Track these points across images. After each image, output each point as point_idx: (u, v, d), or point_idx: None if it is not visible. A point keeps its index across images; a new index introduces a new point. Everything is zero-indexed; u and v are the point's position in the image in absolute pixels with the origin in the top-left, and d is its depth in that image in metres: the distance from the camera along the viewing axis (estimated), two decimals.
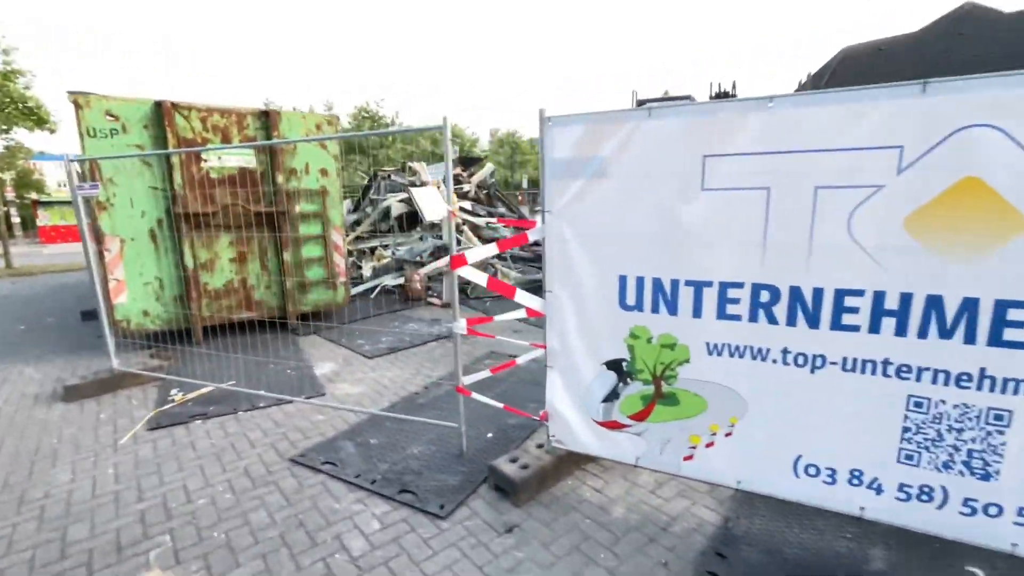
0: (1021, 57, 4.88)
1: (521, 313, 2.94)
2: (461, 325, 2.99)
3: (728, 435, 2.37)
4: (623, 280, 2.45)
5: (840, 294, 2.02)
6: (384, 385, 4.39)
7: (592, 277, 2.52)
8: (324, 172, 6.22)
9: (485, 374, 3.22)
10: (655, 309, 2.40)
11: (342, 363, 5.02)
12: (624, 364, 2.54)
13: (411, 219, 9.91)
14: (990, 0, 5.58)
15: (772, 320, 2.16)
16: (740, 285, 2.20)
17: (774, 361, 2.19)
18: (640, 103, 8.25)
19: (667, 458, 2.54)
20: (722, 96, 8.59)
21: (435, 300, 7.45)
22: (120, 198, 5.13)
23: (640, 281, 2.41)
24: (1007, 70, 1.68)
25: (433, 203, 9.58)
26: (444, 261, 8.01)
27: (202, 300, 5.65)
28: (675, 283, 2.33)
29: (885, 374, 2.00)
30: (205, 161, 5.51)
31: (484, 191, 11.30)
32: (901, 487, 2.06)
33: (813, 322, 2.09)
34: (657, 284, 2.37)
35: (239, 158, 5.69)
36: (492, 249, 2.89)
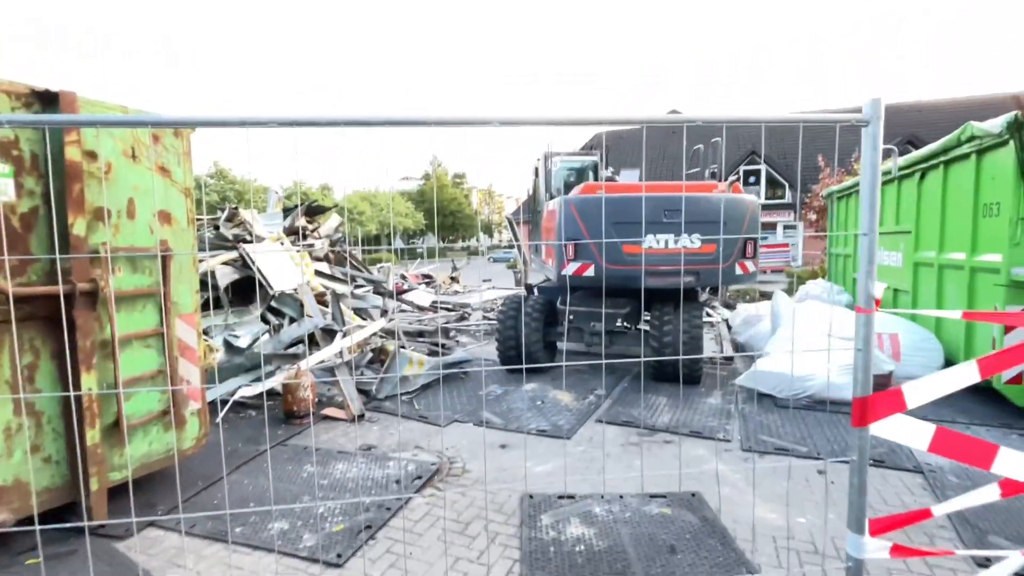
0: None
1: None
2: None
3: None
4: None
5: None
6: None
7: None
8: (166, 218, 3.45)
9: None
10: None
11: None
12: None
13: (240, 289, 6.89)
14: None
15: None
16: None
17: None
18: (546, 157, 7.53)
19: None
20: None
21: (336, 411, 4.96)
22: None
23: None
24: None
25: (281, 267, 6.88)
26: (334, 348, 5.55)
27: None
28: None
29: None
30: None
31: (333, 249, 8.86)
32: None
33: None
34: None
35: None
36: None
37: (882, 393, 1.38)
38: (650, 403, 5.26)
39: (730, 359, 7.03)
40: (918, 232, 6.26)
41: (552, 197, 6.98)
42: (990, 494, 1.55)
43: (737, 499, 3.32)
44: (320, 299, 6.96)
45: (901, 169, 6.53)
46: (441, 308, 10.97)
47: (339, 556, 2.73)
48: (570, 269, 5.79)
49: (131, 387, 3.22)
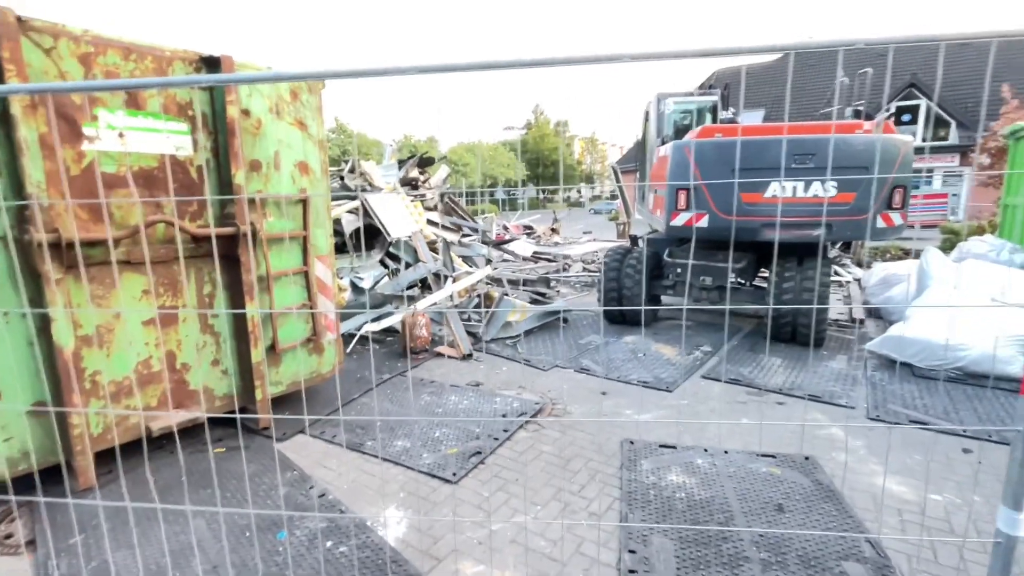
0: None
1: None
2: None
3: None
4: None
5: None
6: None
7: None
8: (304, 168, 3.86)
9: None
10: None
11: (408, 500, 2.86)
12: None
13: (360, 236, 7.52)
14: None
15: None
16: None
17: None
18: (659, 99, 7.07)
19: None
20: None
21: (447, 350, 5.36)
22: None
23: None
24: None
25: (397, 215, 7.36)
26: (445, 292, 5.92)
27: (89, 404, 2.97)
28: None
29: None
30: (91, 141, 2.89)
31: (442, 199, 9.25)
32: None
33: None
34: None
35: (162, 138, 3.14)
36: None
37: None
38: (763, 363, 4.98)
39: (860, 321, 6.35)
40: None
41: (664, 142, 6.59)
42: None
43: (857, 468, 3.10)
44: (431, 246, 7.39)
45: None
46: (541, 259, 11.10)
47: (454, 475, 3.05)
48: (680, 219, 5.51)
49: (282, 317, 3.76)
